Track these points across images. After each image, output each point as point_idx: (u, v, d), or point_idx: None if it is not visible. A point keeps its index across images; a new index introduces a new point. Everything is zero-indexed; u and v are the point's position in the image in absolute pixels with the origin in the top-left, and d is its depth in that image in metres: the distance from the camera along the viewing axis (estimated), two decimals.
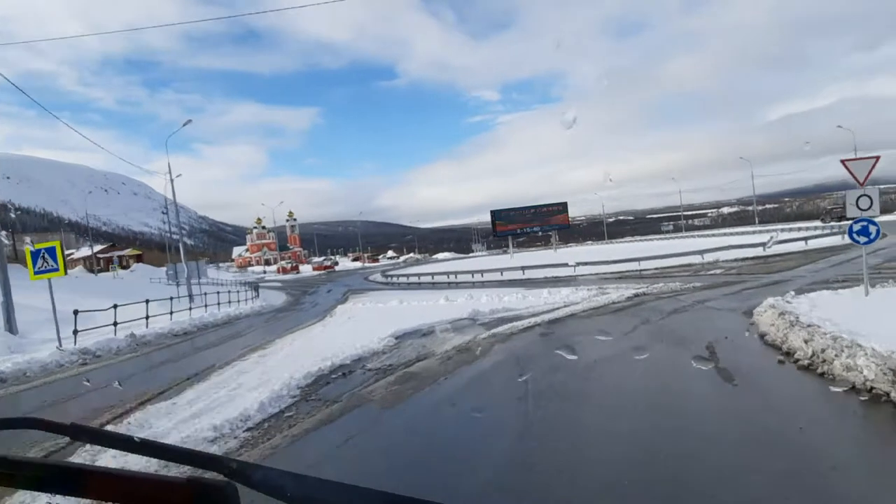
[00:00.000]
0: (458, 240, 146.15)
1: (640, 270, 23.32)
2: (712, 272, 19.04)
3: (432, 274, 33.61)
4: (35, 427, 0.74)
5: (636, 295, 13.94)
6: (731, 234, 42.62)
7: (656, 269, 23.18)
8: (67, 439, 0.77)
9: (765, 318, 7.29)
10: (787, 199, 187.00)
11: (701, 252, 24.06)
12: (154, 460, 2.91)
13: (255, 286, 35.41)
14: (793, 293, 9.87)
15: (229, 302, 26.22)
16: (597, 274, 24.09)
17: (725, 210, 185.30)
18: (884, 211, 50.84)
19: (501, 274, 28.97)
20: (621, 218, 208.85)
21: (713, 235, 43.88)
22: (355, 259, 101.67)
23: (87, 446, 4.30)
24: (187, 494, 0.48)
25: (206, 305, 24.05)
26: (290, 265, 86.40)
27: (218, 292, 26.51)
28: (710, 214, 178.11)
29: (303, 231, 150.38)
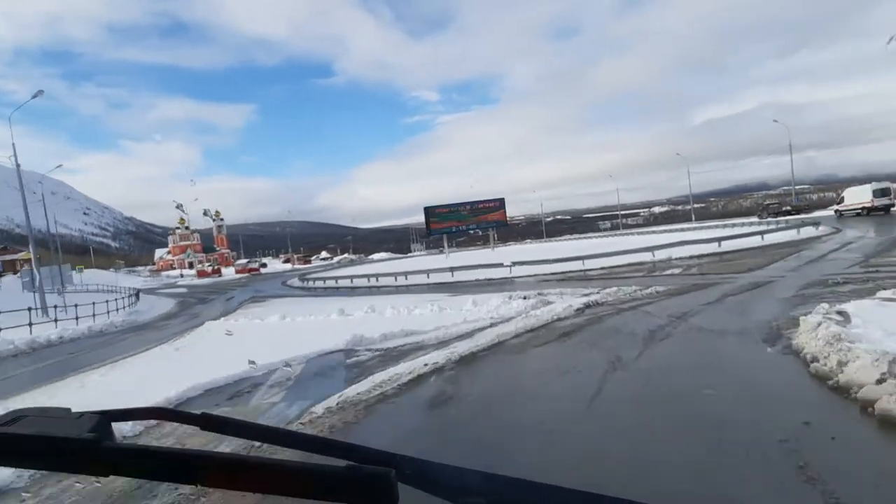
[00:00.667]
0: (397, 240, 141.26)
1: (585, 270, 20.12)
2: (669, 272, 16.02)
3: (351, 277, 29.14)
4: (161, 418, 0.69)
5: (588, 305, 10.35)
6: (674, 230, 41.06)
7: (603, 268, 20.09)
8: None
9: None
10: (712, 199, 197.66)
11: (651, 249, 21.26)
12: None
13: (136, 294, 29.56)
14: (826, 306, 6.55)
15: (107, 313, 22.78)
16: (536, 275, 20.67)
17: (657, 209, 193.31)
18: (819, 206, 51.44)
19: (428, 276, 25.00)
20: (559, 217, 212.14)
21: (654, 233, 42.08)
22: (286, 261, 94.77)
23: None
24: (347, 482, 0.45)
25: (67, 318, 20.75)
26: (210, 268, 78.68)
27: (92, 303, 22.47)
28: (642, 213, 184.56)
29: (237, 231, 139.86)
